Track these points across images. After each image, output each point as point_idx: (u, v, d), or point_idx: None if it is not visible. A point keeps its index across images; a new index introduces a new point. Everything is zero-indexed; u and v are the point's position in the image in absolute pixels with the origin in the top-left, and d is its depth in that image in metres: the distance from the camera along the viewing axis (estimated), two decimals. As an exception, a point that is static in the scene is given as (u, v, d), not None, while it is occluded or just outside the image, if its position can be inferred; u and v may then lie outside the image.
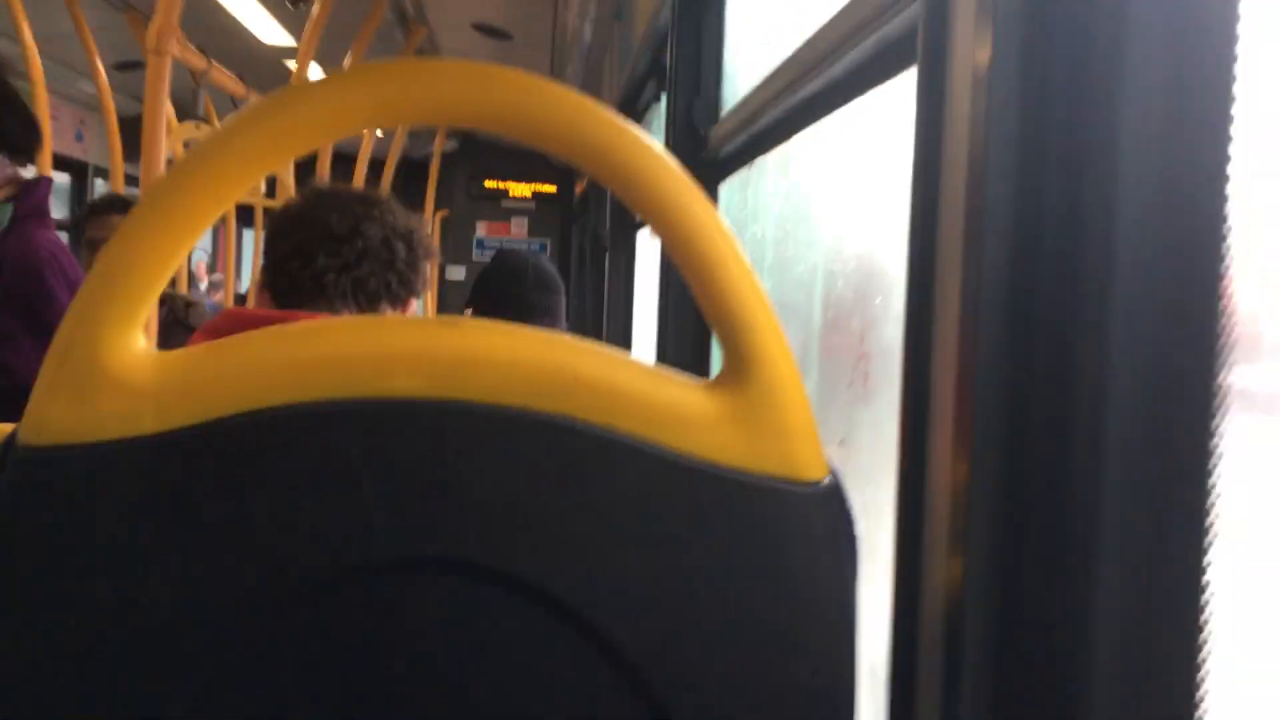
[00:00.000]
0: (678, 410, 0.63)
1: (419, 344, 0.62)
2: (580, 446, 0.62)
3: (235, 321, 1.49)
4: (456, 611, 0.61)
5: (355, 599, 0.61)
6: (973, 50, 0.72)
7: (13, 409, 0.61)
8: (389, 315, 1.56)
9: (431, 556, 0.60)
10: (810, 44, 1.31)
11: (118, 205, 3.07)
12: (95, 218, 2.99)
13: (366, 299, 1.55)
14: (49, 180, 2.19)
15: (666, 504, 0.62)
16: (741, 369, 0.64)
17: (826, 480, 0.66)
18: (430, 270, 1.85)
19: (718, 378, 0.65)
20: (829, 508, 0.65)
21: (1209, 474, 0.66)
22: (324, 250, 1.52)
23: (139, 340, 0.61)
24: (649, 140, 0.64)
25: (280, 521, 0.59)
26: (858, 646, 0.67)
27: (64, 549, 0.59)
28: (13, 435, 0.60)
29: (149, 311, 0.61)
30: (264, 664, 0.60)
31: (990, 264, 0.71)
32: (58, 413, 0.59)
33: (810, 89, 1.37)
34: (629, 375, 0.63)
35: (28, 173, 2.18)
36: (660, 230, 0.64)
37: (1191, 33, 0.64)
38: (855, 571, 0.67)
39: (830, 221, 1.59)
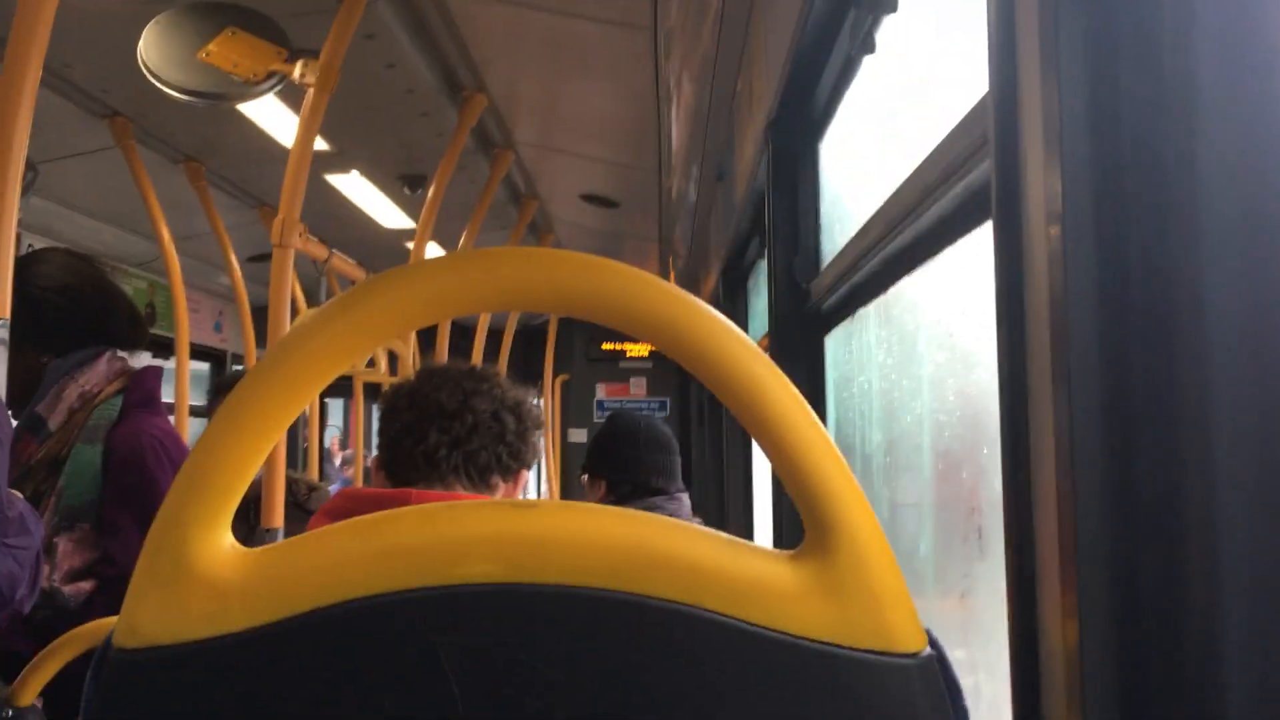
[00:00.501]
0: (761, 584, 0.62)
1: (493, 529, 0.63)
2: (661, 625, 0.61)
3: (351, 502, 1.53)
4: None
5: None
6: (1044, 195, 0.72)
7: (119, 600, 0.63)
8: (495, 490, 1.58)
9: None
10: (895, 197, 1.32)
11: None
12: (221, 395, 3.07)
13: (478, 473, 1.58)
14: (158, 369, 2.26)
15: (754, 681, 0.60)
16: (824, 538, 0.63)
17: (925, 651, 0.63)
18: (541, 441, 1.88)
19: (801, 548, 0.64)
20: (930, 680, 0.62)
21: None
22: (435, 427, 1.56)
23: (225, 538, 0.63)
24: (712, 312, 0.64)
25: (366, 713, 0.59)
26: None
27: None
28: (109, 639, 0.62)
29: (234, 506, 0.63)
30: None
31: (1081, 402, 0.69)
32: (148, 614, 0.61)
33: (900, 241, 1.37)
34: (708, 550, 0.62)
35: (139, 363, 2.28)
36: (727, 400, 0.64)
37: (1263, 166, 0.63)
38: None
39: (933, 370, 1.57)
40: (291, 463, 8.19)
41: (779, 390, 0.63)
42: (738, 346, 0.63)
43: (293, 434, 8.42)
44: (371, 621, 0.60)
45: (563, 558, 0.61)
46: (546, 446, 9.03)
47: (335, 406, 10.41)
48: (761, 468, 3.80)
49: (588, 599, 0.61)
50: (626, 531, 0.62)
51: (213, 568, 0.62)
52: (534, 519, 0.63)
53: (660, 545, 0.62)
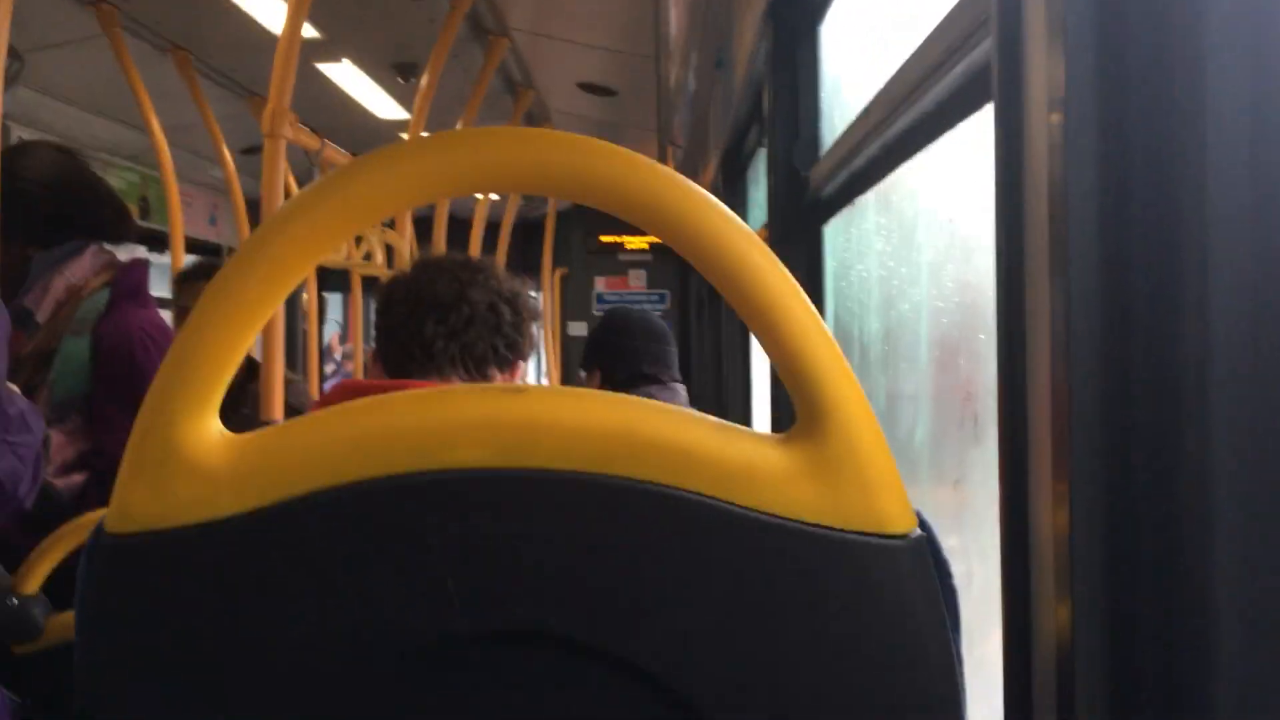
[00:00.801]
0: (751, 467, 0.61)
1: (484, 413, 0.62)
2: (651, 509, 0.61)
3: (347, 393, 1.53)
4: (537, 682, 0.61)
5: (434, 674, 0.61)
6: (1046, 79, 0.70)
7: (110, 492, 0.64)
8: (492, 381, 1.58)
9: (508, 628, 0.60)
10: (895, 80, 1.29)
11: (208, 272, 2.97)
12: (185, 285, 2.95)
13: (475, 364, 1.58)
14: (145, 261, 2.24)
15: (745, 564, 0.61)
16: (816, 421, 0.62)
17: (915, 532, 0.63)
18: (539, 332, 1.88)
19: (792, 431, 0.64)
20: (919, 560, 0.63)
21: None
22: (432, 318, 1.56)
23: (213, 423, 0.63)
24: (702, 193, 0.63)
25: (355, 600, 0.60)
26: (963, 702, 0.64)
27: (148, 635, 0.61)
28: (100, 524, 0.62)
29: (222, 392, 0.63)
30: None
31: (1079, 291, 0.68)
32: (138, 500, 0.61)
33: (900, 125, 1.35)
34: (699, 434, 0.62)
35: (131, 257, 2.26)
36: (719, 282, 0.63)
37: (1269, 46, 0.61)
38: (955, 624, 0.65)
39: (931, 256, 1.56)
40: (290, 360, 8.22)
41: (771, 273, 0.62)
42: (728, 228, 0.62)
43: (291, 330, 8.43)
44: (361, 506, 0.60)
45: (553, 442, 0.61)
46: (546, 339, 9.06)
47: (334, 301, 10.40)
48: (760, 361, 3.81)
49: (578, 483, 0.61)
50: (616, 416, 0.62)
51: (201, 453, 0.61)
52: (524, 404, 0.62)
53: (650, 429, 0.62)
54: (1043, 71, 0.71)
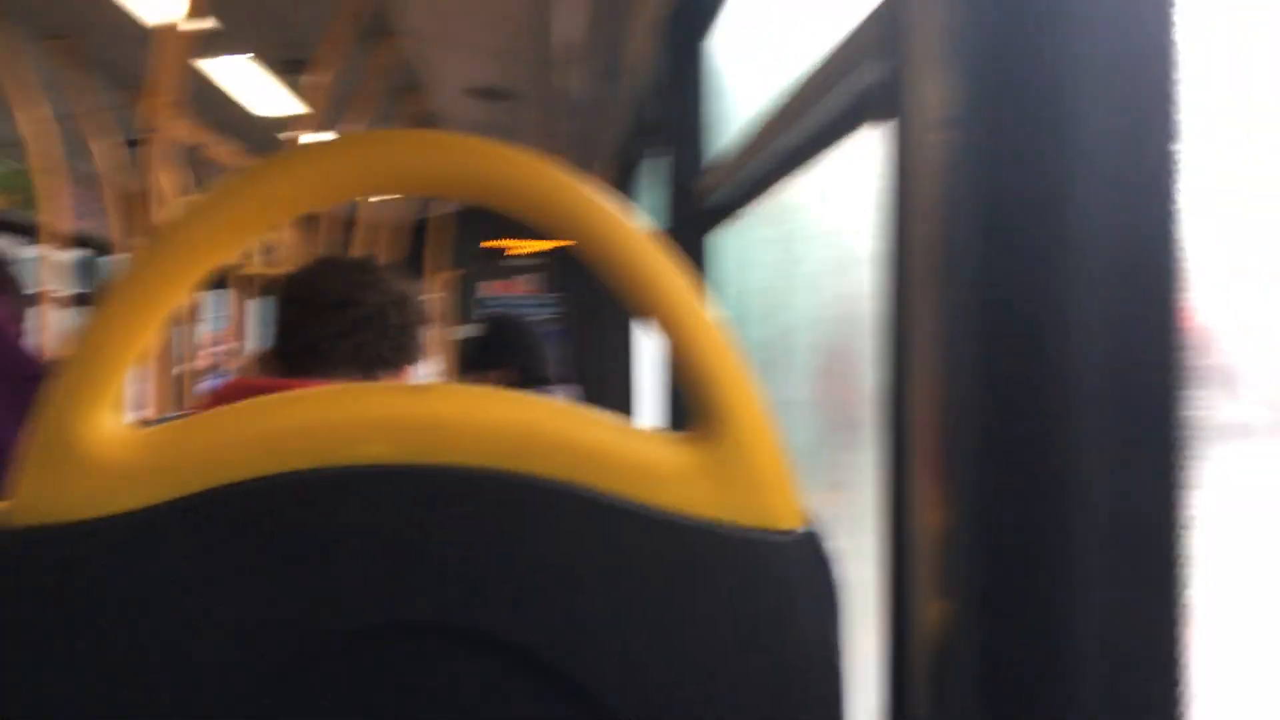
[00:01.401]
0: (647, 465, 0.64)
1: (388, 411, 0.63)
2: (548, 504, 0.62)
3: (237, 391, 1.51)
4: (434, 675, 0.62)
5: (332, 669, 0.61)
6: (933, 100, 0.74)
7: None
8: (377, 381, 1.58)
9: (406, 621, 0.61)
10: (785, 97, 1.33)
11: None
12: None
13: (364, 365, 1.57)
14: None
15: (638, 558, 0.63)
16: (712, 421, 0.65)
17: (803, 528, 0.66)
18: (427, 335, 1.87)
19: (691, 430, 0.66)
20: (806, 555, 0.65)
21: (1180, 496, 0.66)
22: (321, 318, 1.55)
23: (114, 418, 0.62)
24: (595, 192, 0.65)
25: (254, 595, 0.60)
26: (844, 695, 0.67)
27: (42, 630, 0.60)
28: None
29: (122, 387, 0.63)
30: None
31: (956, 302, 0.72)
32: (35, 493, 0.61)
33: (788, 141, 1.39)
34: (597, 432, 0.64)
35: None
36: (616, 283, 0.65)
37: (1136, 74, 0.66)
38: (839, 618, 0.68)
39: (814, 266, 1.61)
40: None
41: (667, 274, 0.65)
42: (628, 230, 0.64)
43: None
44: (263, 502, 0.61)
45: (456, 439, 0.62)
46: (435, 344, 8.96)
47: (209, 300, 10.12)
48: (644, 367, 3.84)
49: (480, 478, 0.62)
50: (518, 414, 0.64)
51: (100, 447, 0.61)
52: (428, 401, 0.64)
53: (551, 426, 0.63)
54: (934, 92, 0.74)
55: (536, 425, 0.63)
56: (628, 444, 0.64)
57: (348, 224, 5.98)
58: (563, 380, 2.89)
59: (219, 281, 6.73)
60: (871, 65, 1.00)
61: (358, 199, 6.16)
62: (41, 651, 0.60)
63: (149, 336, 0.62)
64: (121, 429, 0.63)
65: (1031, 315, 0.68)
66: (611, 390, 4.28)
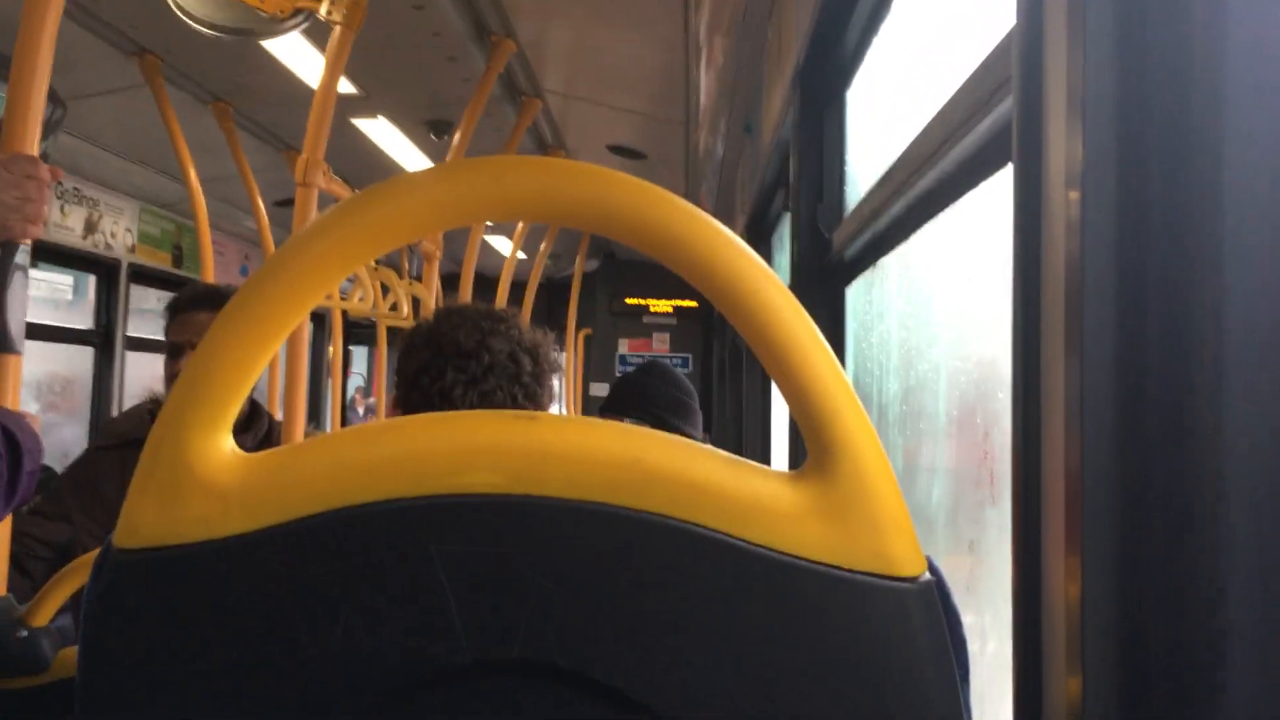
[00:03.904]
0: (760, 503, 0.61)
1: (495, 439, 0.62)
2: (658, 541, 0.60)
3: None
4: (534, 714, 0.60)
5: (437, 703, 0.60)
6: (1065, 144, 0.70)
7: None
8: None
9: (511, 659, 0.60)
10: (917, 143, 1.30)
11: (201, 301, 2.38)
12: (177, 317, 2.40)
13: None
14: None
15: (749, 600, 0.60)
16: (826, 460, 0.62)
17: (924, 576, 0.63)
18: (559, 385, 1.88)
19: (803, 468, 0.63)
20: (927, 605, 0.62)
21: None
22: (452, 365, 1.56)
23: (226, 442, 0.63)
24: (721, 228, 0.63)
25: (362, 624, 0.60)
26: None
27: (154, 650, 0.61)
28: (109, 540, 0.63)
29: (235, 411, 0.63)
30: None
31: (1092, 358, 0.68)
32: (149, 516, 0.61)
33: (921, 187, 1.36)
34: (708, 468, 0.62)
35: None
36: (735, 319, 0.63)
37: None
38: (961, 673, 0.64)
39: (950, 318, 1.56)
40: (314, 415, 8.26)
41: (786, 310, 0.63)
42: (745, 262, 0.63)
43: (315, 383, 8.47)
44: (371, 528, 0.60)
45: (563, 470, 0.61)
46: (568, 400, 9.05)
47: (360, 355, 10.46)
48: (779, 419, 3.80)
49: (587, 512, 0.61)
50: (627, 446, 0.62)
51: (212, 471, 0.62)
52: (537, 431, 0.63)
53: (659, 461, 0.62)
54: (1063, 139, 0.71)
55: (645, 459, 0.62)
56: (738, 480, 0.62)
57: (490, 280, 6.11)
58: (692, 432, 2.78)
59: (369, 336, 6.94)
60: (999, 104, 0.97)
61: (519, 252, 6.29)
62: (153, 674, 0.60)
63: (265, 359, 0.63)
64: (233, 453, 0.63)
65: (1171, 384, 0.64)
66: (747, 445, 4.25)
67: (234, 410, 0.63)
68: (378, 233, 0.62)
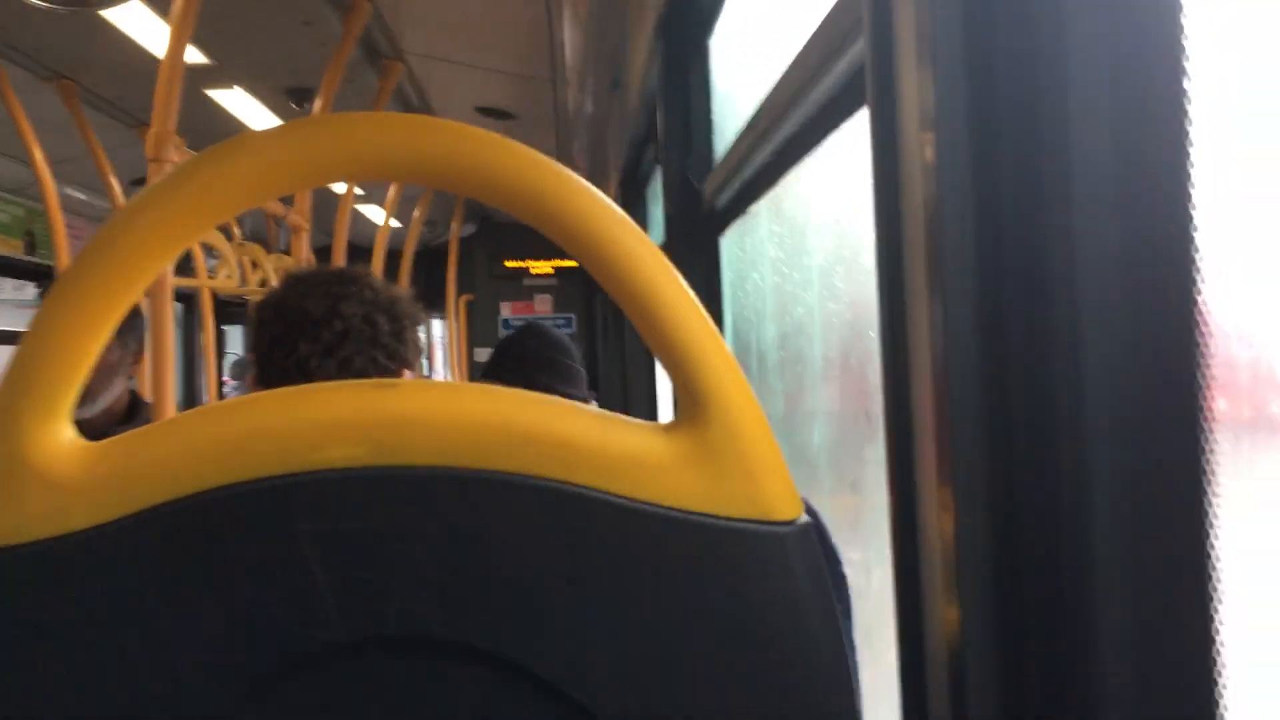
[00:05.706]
0: (632, 457, 0.60)
1: (354, 410, 0.60)
2: (531, 503, 0.59)
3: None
4: (420, 689, 0.58)
5: (312, 686, 0.58)
6: (917, 85, 0.71)
7: None
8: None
9: (387, 635, 0.58)
10: (777, 88, 1.30)
11: None
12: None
13: (356, 377, 1.53)
14: None
15: (628, 555, 0.59)
16: (698, 410, 0.61)
17: (802, 519, 0.63)
18: (422, 336, 1.82)
19: (675, 420, 0.63)
20: (806, 547, 0.62)
21: (1199, 494, 0.62)
22: (304, 336, 1.50)
23: (65, 431, 0.59)
24: (579, 181, 0.61)
25: (225, 612, 0.57)
26: (855, 690, 0.64)
27: (6, 655, 0.57)
28: None
29: (74, 397, 0.59)
30: None
31: (953, 293, 0.68)
32: None
33: (784, 132, 1.36)
34: (579, 425, 0.61)
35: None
36: (597, 274, 0.62)
37: (1135, 56, 0.62)
38: (846, 610, 0.64)
39: (822, 260, 1.57)
40: (191, 400, 8.00)
41: (648, 263, 0.61)
42: (603, 213, 0.61)
43: (189, 364, 8.21)
44: (227, 513, 0.57)
45: (428, 437, 0.59)
46: (453, 367, 8.95)
47: (236, 335, 10.17)
48: (666, 378, 3.82)
49: (456, 479, 0.58)
50: (493, 408, 0.60)
51: (50, 462, 0.58)
52: (397, 399, 0.60)
53: (528, 421, 0.60)
54: (914, 80, 0.71)
55: (512, 420, 0.60)
56: (609, 435, 0.61)
57: (364, 250, 5.98)
58: (572, 392, 2.74)
59: (242, 315, 6.74)
60: (854, 45, 0.97)
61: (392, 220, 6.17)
62: (2, 679, 0.57)
63: (100, 340, 0.59)
64: (75, 443, 0.59)
65: (1031, 311, 0.65)
66: (633, 405, 4.26)
67: (70, 396, 0.59)
68: (215, 199, 0.59)
